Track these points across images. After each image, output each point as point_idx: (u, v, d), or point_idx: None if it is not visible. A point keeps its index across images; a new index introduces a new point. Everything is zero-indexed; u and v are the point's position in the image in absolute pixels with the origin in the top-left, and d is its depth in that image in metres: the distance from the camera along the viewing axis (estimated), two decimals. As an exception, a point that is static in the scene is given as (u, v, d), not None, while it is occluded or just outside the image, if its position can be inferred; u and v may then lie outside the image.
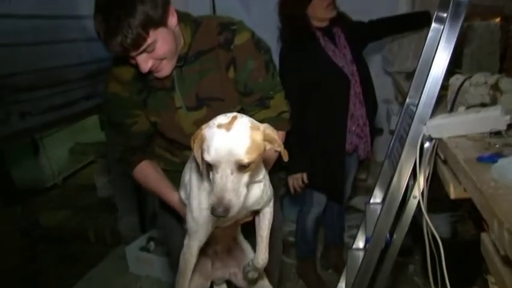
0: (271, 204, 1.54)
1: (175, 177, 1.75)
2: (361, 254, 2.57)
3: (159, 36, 1.50)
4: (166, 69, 1.63)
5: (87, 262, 3.73)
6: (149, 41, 1.48)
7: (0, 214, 2.00)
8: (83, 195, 5.01)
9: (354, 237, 2.76)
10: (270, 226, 1.57)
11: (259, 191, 1.42)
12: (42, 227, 4.01)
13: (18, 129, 2.27)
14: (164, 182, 1.83)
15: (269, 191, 1.48)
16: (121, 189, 3.86)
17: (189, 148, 1.29)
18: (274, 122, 1.58)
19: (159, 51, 1.53)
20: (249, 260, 1.64)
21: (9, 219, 1.96)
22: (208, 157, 1.16)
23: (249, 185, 1.24)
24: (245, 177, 1.20)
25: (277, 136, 1.28)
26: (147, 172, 1.85)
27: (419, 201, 1.89)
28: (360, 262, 2.33)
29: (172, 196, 1.77)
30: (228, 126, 1.17)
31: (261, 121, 1.36)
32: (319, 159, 2.90)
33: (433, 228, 1.78)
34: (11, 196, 2.07)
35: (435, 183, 1.86)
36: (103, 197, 4.64)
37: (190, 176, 1.51)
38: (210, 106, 1.73)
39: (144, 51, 1.51)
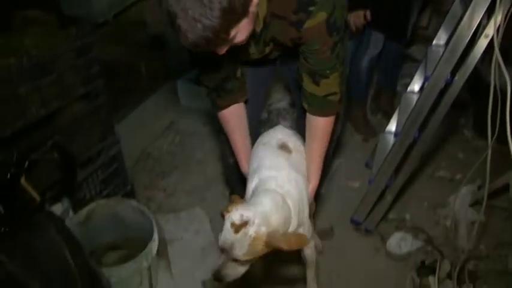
0: (312, 244, 1.89)
1: None
2: (415, 97, 2.50)
3: (240, 29, 1.30)
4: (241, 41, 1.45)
5: (140, 95, 3.84)
6: (230, 37, 1.28)
7: (56, 35, 1.98)
8: (134, 31, 4.98)
9: (407, 85, 2.68)
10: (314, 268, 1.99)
11: None
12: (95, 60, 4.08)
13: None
14: (243, 144, 1.97)
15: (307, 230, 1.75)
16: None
17: None
18: (320, 107, 1.71)
19: (238, 39, 1.33)
20: None
21: (64, 40, 1.94)
22: (219, 240, 1.44)
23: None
24: (240, 268, 1.47)
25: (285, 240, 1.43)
26: (231, 124, 1.92)
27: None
28: (413, 104, 2.28)
29: (243, 165, 1.98)
30: (237, 229, 1.38)
31: (308, 95, 1.69)
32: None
33: (503, 67, 1.65)
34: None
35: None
36: (154, 34, 4.61)
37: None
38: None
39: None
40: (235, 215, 1.41)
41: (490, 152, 1.83)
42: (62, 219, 1.46)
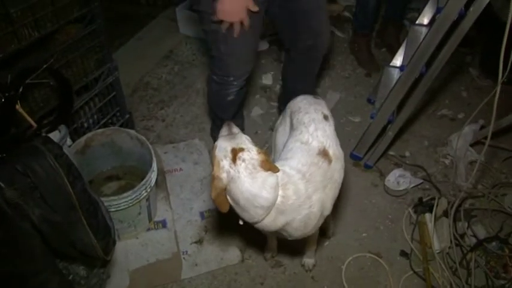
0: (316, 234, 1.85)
1: None
2: (424, 29, 2.41)
3: None
4: None
5: (138, 22, 3.72)
6: None
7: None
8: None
9: (414, 19, 2.57)
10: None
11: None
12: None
13: None
14: None
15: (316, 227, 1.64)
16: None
17: None
18: None
19: None
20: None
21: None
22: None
23: None
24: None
25: None
26: None
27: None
28: (422, 37, 2.19)
29: None
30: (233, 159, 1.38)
31: None
32: None
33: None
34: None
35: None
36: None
37: None
38: None
39: None
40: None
41: (499, 88, 1.78)
42: (60, 145, 1.42)
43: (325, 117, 1.73)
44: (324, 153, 1.60)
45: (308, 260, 2.09)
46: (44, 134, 1.50)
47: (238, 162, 1.36)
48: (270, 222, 1.46)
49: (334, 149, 1.65)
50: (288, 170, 1.52)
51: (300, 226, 1.54)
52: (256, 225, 1.49)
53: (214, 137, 2.53)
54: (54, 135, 1.64)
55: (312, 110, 1.74)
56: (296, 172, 1.51)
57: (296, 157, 1.58)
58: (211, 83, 2.21)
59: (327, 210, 1.63)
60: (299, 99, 1.85)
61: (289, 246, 2.10)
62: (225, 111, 2.32)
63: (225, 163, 1.36)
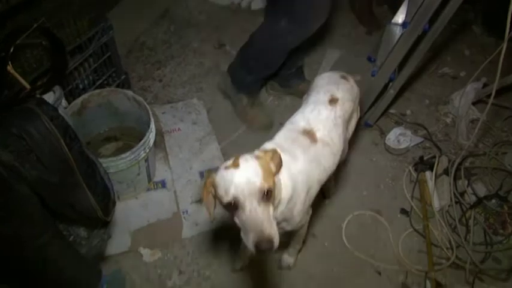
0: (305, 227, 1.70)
1: None
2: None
3: None
4: None
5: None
6: None
7: None
8: None
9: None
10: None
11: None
12: None
13: None
14: None
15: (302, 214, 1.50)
16: None
17: None
18: None
19: None
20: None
21: None
22: (229, 197, 1.15)
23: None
24: (271, 209, 1.18)
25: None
26: None
27: None
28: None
29: None
30: (235, 164, 1.19)
31: None
32: None
33: None
34: None
35: None
36: None
37: None
38: None
39: None
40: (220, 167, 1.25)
41: (505, 45, 1.73)
42: (55, 106, 1.39)
43: (332, 101, 1.63)
44: (308, 134, 1.54)
45: (287, 258, 1.95)
46: (38, 96, 1.47)
47: None
48: None
49: (323, 134, 1.56)
50: (266, 145, 1.47)
51: (285, 206, 1.38)
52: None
53: (237, 88, 2.52)
54: (49, 97, 1.60)
55: (324, 91, 1.67)
56: (273, 145, 1.45)
57: (278, 135, 1.54)
58: (276, 34, 2.15)
59: (314, 190, 1.55)
60: (323, 76, 1.80)
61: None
62: (277, 63, 2.31)
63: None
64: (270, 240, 1.11)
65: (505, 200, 2.20)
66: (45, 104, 1.33)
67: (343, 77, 1.79)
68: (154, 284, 1.95)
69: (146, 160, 2.04)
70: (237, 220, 1.19)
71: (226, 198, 1.17)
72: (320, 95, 1.65)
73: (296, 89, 2.66)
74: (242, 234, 1.17)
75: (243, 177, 1.17)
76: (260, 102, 2.62)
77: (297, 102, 2.61)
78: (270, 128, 2.51)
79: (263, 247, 1.10)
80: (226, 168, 1.20)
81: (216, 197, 1.25)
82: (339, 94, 1.66)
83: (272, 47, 2.23)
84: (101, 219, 1.57)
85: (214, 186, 1.23)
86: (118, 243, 2.01)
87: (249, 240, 1.13)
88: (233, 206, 1.17)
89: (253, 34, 2.30)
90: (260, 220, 1.14)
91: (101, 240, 1.73)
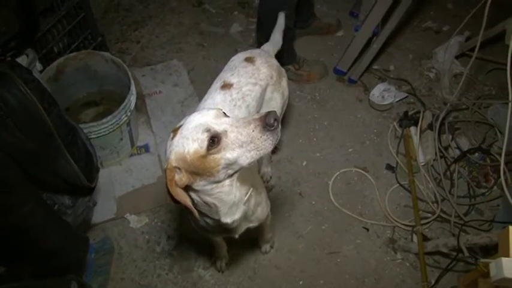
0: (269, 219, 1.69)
1: None
2: None
3: None
4: None
5: None
6: None
7: None
8: None
9: None
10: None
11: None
12: None
13: None
14: None
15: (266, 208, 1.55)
16: None
17: None
18: None
19: None
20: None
21: None
22: (204, 136, 1.04)
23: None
24: None
25: None
26: None
27: None
28: None
29: None
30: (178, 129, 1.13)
31: None
32: None
33: None
34: None
35: None
36: None
37: None
38: None
39: None
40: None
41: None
42: (29, 69, 1.33)
43: (225, 86, 1.57)
44: (226, 86, 1.57)
45: (265, 245, 1.95)
46: (9, 59, 1.39)
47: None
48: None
49: (236, 80, 1.59)
50: None
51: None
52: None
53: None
54: (22, 60, 1.53)
55: (217, 79, 1.64)
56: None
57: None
58: None
59: None
60: (229, 62, 1.75)
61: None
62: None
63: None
64: (269, 113, 1.02)
65: (488, 153, 2.22)
66: (19, 67, 1.27)
67: (247, 59, 1.70)
68: (143, 250, 1.94)
69: (128, 124, 1.99)
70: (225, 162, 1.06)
71: (203, 141, 1.04)
72: (214, 84, 1.63)
73: (313, 27, 2.73)
74: (250, 151, 1.04)
75: (202, 116, 1.10)
76: (302, 59, 2.55)
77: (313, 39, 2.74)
78: (328, 73, 2.58)
79: (271, 119, 1.00)
80: (175, 131, 1.13)
81: (185, 176, 1.10)
82: (234, 79, 1.60)
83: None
84: (85, 186, 1.54)
85: (179, 163, 1.09)
86: (104, 210, 1.99)
87: (260, 141, 1.02)
88: (215, 145, 1.04)
89: None
90: (247, 120, 1.04)
91: (87, 207, 1.71)
